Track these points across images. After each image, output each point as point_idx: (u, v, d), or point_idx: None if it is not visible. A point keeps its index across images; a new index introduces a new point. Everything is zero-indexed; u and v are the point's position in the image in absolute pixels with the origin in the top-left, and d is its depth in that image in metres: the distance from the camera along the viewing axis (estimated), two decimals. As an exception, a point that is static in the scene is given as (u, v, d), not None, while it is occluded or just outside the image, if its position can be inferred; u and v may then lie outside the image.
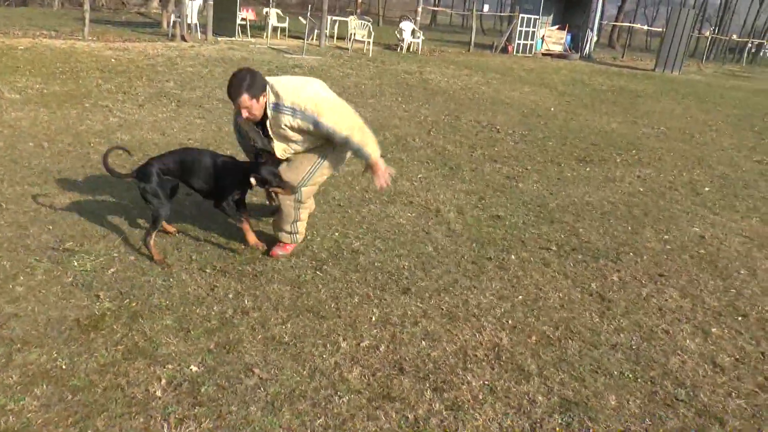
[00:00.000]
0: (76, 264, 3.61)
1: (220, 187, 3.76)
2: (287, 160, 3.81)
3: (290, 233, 4.00)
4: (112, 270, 3.59)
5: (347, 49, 16.70)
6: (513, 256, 4.32)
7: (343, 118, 3.61)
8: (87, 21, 13.14)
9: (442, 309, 3.50)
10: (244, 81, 3.40)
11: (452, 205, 5.27)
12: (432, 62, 15.78)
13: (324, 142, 3.75)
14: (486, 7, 30.33)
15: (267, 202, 4.66)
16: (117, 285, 3.43)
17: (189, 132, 6.85)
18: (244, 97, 3.41)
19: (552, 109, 10.70)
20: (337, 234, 4.43)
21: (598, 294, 3.88)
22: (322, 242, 4.27)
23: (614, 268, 4.30)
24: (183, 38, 14.47)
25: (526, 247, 4.51)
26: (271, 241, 4.04)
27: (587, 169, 6.94)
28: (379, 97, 10.21)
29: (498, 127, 8.70)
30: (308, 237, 4.31)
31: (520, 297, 3.74)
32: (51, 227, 4.07)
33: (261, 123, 3.63)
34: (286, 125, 3.56)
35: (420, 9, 19.33)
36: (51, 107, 7.27)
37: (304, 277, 3.73)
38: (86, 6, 13.26)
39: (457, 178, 6.11)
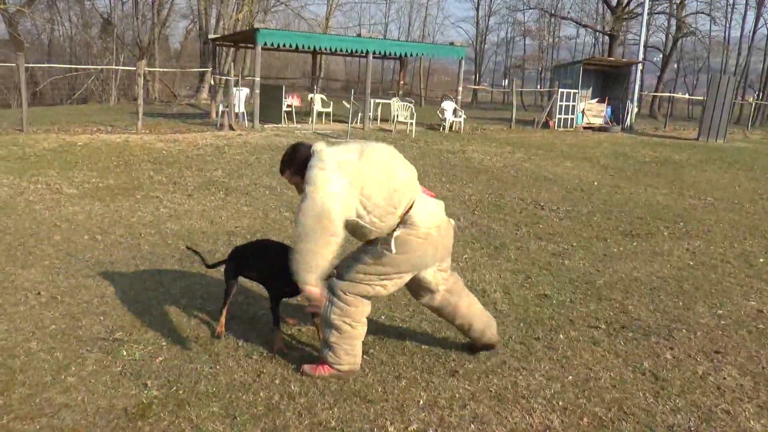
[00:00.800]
0: (125, 353, 3.70)
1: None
2: None
3: (325, 344, 3.48)
4: (160, 359, 3.66)
5: (391, 130, 17.09)
6: (561, 336, 4.26)
7: (307, 211, 3.03)
8: (140, 114, 13.82)
9: (491, 391, 3.45)
10: (287, 158, 3.37)
11: (498, 285, 5.25)
12: (474, 140, 16.01)
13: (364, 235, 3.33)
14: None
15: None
16: (164, 373, 3.49)
17: (236, 220, 7.04)
18: (287, 174, 3.39)
19: (595, 183, 10.68)
20: (383, 317, 4.44)
21: (651, 373, 3.77)
22: (369, 325, 4.27)
23: (667, 346, 4.18)
24: (231, 127, 15.04)
25: (575, 326, 4.44)
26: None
27: (634, 243, 6.85)
28: (423, 177, 10.30)
29: (542, 203, 8.70)
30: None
31: (570, 377, 3.66)
32: (102, 318, 4.19)
33: None
34: None
35: (461, 88, 19.77)
36: (105, 200, 7.60)
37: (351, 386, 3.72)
38: (140, 100, 13.99)
39: (503, 257, 6.10)
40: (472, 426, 3.09)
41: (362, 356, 3.65)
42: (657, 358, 4.00)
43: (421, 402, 3.29)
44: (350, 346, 3.46)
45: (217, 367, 3.59)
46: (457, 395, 3.38)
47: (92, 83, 25.59)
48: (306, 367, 3.54)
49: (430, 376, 3.58)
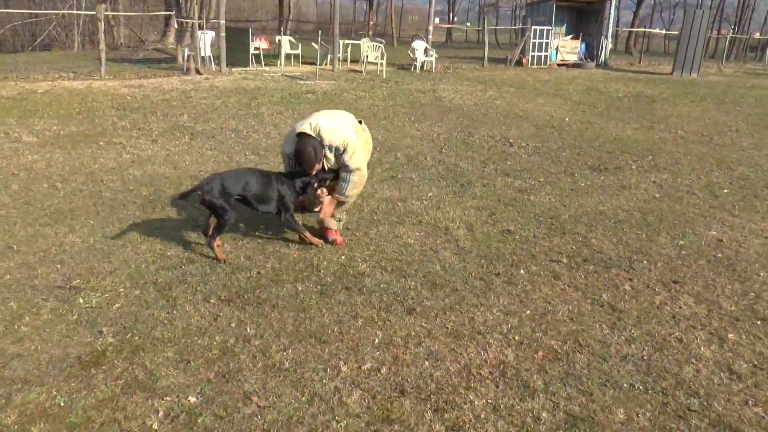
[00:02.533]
0: (81, 301, 3.64)
1: (284, 200, 4.43)
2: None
3: (339, 221, 4.82)
4: (116, 306, 3.61)
5: (361, 71, 16.81)
6: (522, 271, 4.27)
7: (358, 159, 4.53)
8: (103, 60, 13.42)
9: (447, 328, 3.46)
10: (313, 157, 4.33)
11: (462, 222, 5.23)
12: (446, 80, 15.81)
13: None
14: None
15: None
16: (121, 320, 3.45)
17: (201, 164, 6.92)
18: (317, 167, 4.43)
19: (566, 119, 10.62)
20: (343, 258, 4.42)
21: (609, 305, 3.81)
22: (329, 266, 4.25)
23: (626, 277, 4.21)
24: (197, 71, 14.69)
25: (536, 261, 4.45)
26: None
27: (601, 178, 6.85)
28: (392, 117, 10.23)
29: (511, 140, 8.65)
30: (314, 262, 4.31)
31: (528, 312, 3.68)
32: (59, 266, 4.12)
33: None
34: (331, 157, 4.53)
35: (431, 27, 19.40)
36: (66, 148, 7.41)
37: (308, 302, 3.71)
38: (102, 46, 13.55)
39: (468, 194, 6.07)
40: (426, 363, 3.10)
41: (321, 297, 3.74)
42: (616, 289, 4.03)
43: (377, 341, 3.29)
44: None
45: (174, 312, 3.55)
46: (413, 333, 3.39)
47: (54, 29, 24.73)
48: (332, 235, 4.68)
49: (387, 315, 3.58)
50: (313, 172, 4.47)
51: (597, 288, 4.04)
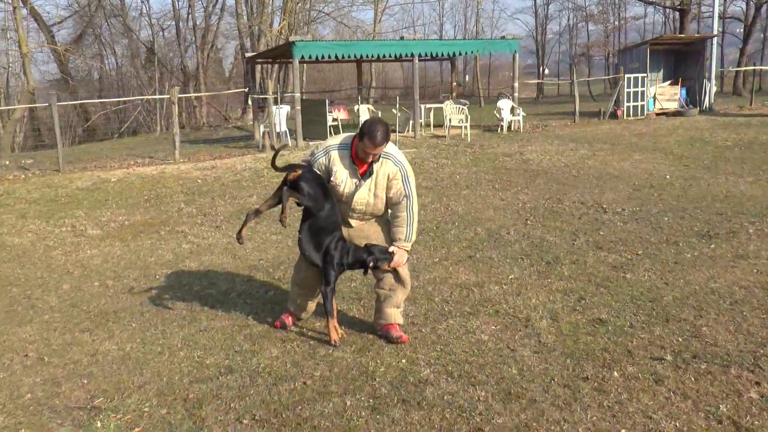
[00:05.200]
0: (99, 425, 3.35)
1: (328, 263, 4.14)
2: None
3: (401, 310, 4.41)
4: (137, 429, 3.29)
5: (444, 136, 16.59)
6: (616, 373, 3.67)
7: (416, 194, 4.29)
8: (177, 143, 13.81)
9: (522, 457, 2.92)
10: (389, 131, 4.02)
11: (545, 311, 4.69)
12: (534, 140, 15.32)
13: (383, 213, 4.36)
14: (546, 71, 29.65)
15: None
16: (139, 451, 3.12)
17: (262, 251, 6.73)
18: (386, 143, 4.02)
19: (667, 176, 9.87)
20: (404, 361, 3.97)
21: (731, 420, 3.15)
22: (386, 373, 3.82)
23: (752, 380, 3.53)
24: (273, 147, 14.86)
25: (633, 359, 3.84)
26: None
27: (711, 246, 6.12)
28: (475, 186, 9.84)
29: (605, 205, 8.03)
30: (370, 367, 3.89)
31: (623, 431, 3.08)
32: (86, 381, 3.89)
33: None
34: (387, 173, 4.12)
35: (516, 84, 19.00)
36: (126, 240, 7.43)
37: (356, 421, 3.28)
38: (175, 129, 13.96)
39: (554, 274, 5.52)
40: None
41: (372, 414, 3.33)
42: (738, 398, 3.36)
43: (432, 477, 2.80)
44: None
45: (201, 438, 3.20)
46: (479, 464, 2.87)
47: (139, 114, 26.18)
48: (395, 335, 4.23)
49: (448, 440, 3.08)
50: (377, 152, 4.00)
51: (712, 395, 3.38)
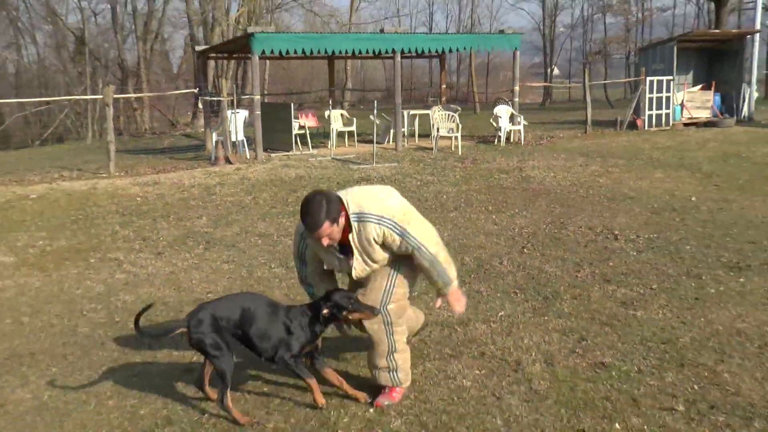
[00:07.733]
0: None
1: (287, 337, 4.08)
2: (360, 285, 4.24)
3: (389, 370, 4.20)
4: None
5: (431, 148, 16.79)
6: (617, 425, 3.84)
7: (428, 233, 4.09)
8: (112, 154, 13.91)
9: None
10: (321, 209, 3.78)
11: (539, 353, 4.86)
12: (537, 153, 15.62)
13: (395, 257, 4.16)
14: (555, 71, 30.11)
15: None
16: None
17: (210, 283, 6.85)
18: (325, 226, 3.81)
19: (693, 198, 10.16)
20: (372, 411, 4.11)
21: (745, 478, 3.32)
22: (350, 424, 3.96)
23: (773, 433, 3.72)
24: (227, 160, 15.02)
25: (639, 409, 4.01)
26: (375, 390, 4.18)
27: (741, 280, 6.34)
28: (464, 208, 10.04)
29: (616, 231, 8.26)
30: (332, 418, 4.01)
31: (623, 492, 3.24)
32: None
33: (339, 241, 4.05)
34: (371, 238, 3.96)
35: (517, 88, 19.25)
36: (47, 269, 7.51)
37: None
38: (110, 136, 14.03)
39: (552, 311, 5.70)
40: None
41: None
42: (756, 453, 3.54)
43: None
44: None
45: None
46: None
47: (66, 118, 26.24)
48: (382, 400, 4.15)
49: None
50: (324, 241, 3.88)
51: (727, 451, 3.56)
